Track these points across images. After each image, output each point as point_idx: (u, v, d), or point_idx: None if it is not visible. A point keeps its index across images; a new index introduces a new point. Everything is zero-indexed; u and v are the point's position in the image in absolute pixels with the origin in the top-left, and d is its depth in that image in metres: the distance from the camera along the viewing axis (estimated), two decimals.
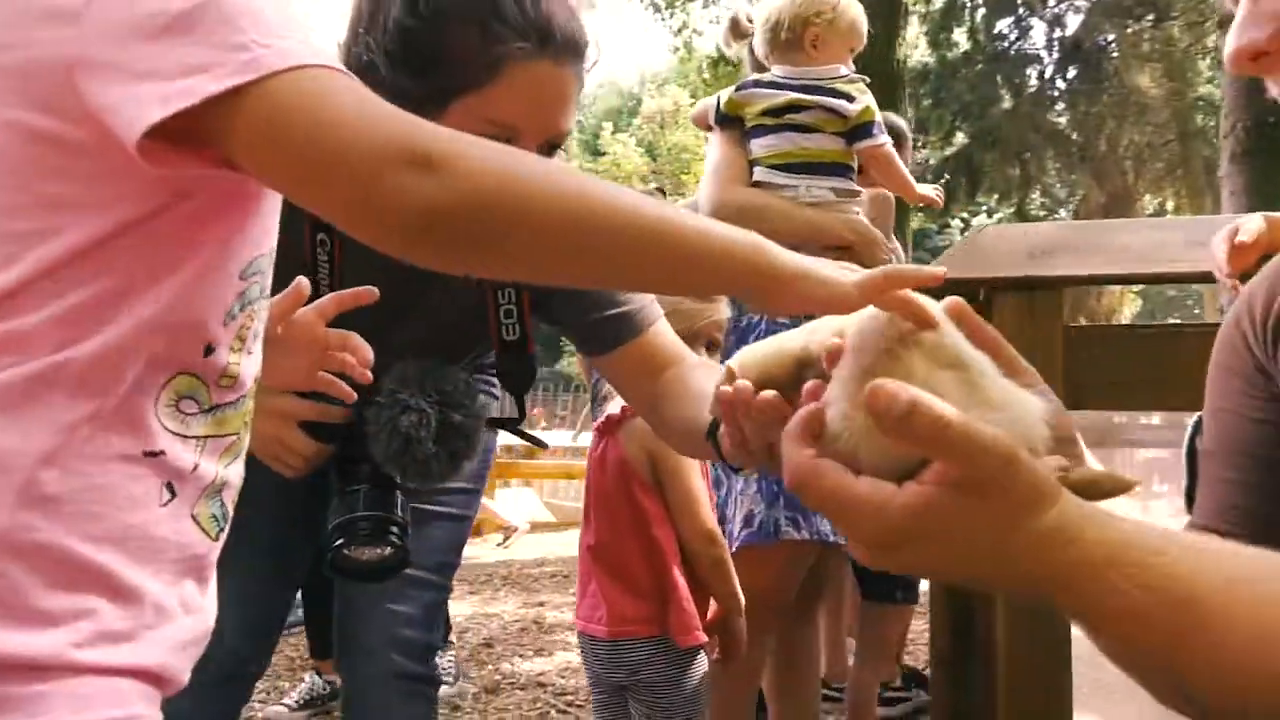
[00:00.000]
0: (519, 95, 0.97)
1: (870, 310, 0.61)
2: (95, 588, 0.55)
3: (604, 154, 20.40)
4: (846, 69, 1.99)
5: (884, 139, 1.98)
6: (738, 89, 2.01)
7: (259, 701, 2.84)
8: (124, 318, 0.57)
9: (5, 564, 0.53)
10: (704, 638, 1.51)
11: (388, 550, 1.15)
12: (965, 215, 21.78)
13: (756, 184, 1.98)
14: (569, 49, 0.98)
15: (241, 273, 0.63)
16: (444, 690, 2.92)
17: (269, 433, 1.17)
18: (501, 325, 1.19)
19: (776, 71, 2.00)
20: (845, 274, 0.62)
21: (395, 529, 1.16)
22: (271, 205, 0.65)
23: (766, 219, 1.92)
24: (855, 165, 2.01)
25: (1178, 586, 0.50)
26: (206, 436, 0.62)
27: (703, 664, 1.57)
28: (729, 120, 2.01)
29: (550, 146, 1.02)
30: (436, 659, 1.45)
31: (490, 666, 3.44)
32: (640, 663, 1.55)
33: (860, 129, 1.96)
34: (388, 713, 1.36)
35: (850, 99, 1.95)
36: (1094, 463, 0.68)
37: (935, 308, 0.63)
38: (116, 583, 0.56)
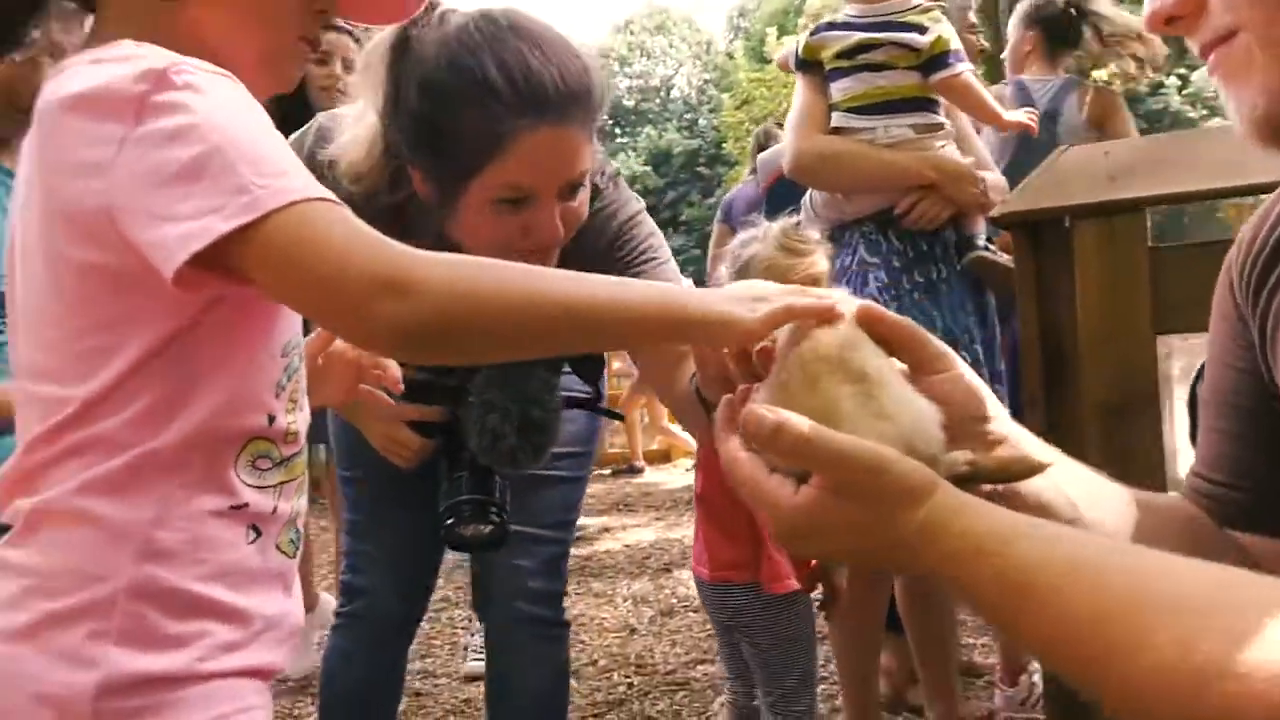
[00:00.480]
0: (527, 163, 1.06)
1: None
2: (209, 614, 0.71)
3: (770, 61, 19.83)
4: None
5: (961, 67, 1.90)
6: (813, 33, 2.00)
7: (462, 628, 3.20)
8: (190, 410, 0.70)
9: (140, 606, 0.68)
10: (795, 585, 1.58)
11: (488, 528, 1.34)
12: (1182, 71, 19.60)
13: (836, 129, 1.97)
14: (567, 107, 1.06)
15: (282, 350, 0.77)
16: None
17: (384, 431, 1.38)
18: None
19: (848, 11, 1.97)
20: (752, 308, 0.69)
21: (494, 509, 1.35)
22: None
23: (844, 165, 1.93)
24: (937, 98, 1.96)
25: (1017, 576, 0.55)
26: (282, 483, 0.77)
27: (802, 610, 1.65)
28: (809, 65, 2.00)
29: (571, 189, 1.12)
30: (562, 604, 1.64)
31: (668, 590, 3.67)
32: (738, 607, 1.66)
33: (934, 60, 1.89)
34: (521, 651, 1.56)
35: (922, 30, 1.88)
36: (1021, 433, 0.73)
37: (848, 312, 0.70)
38: (224, 608, 0.71)
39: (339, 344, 1.05)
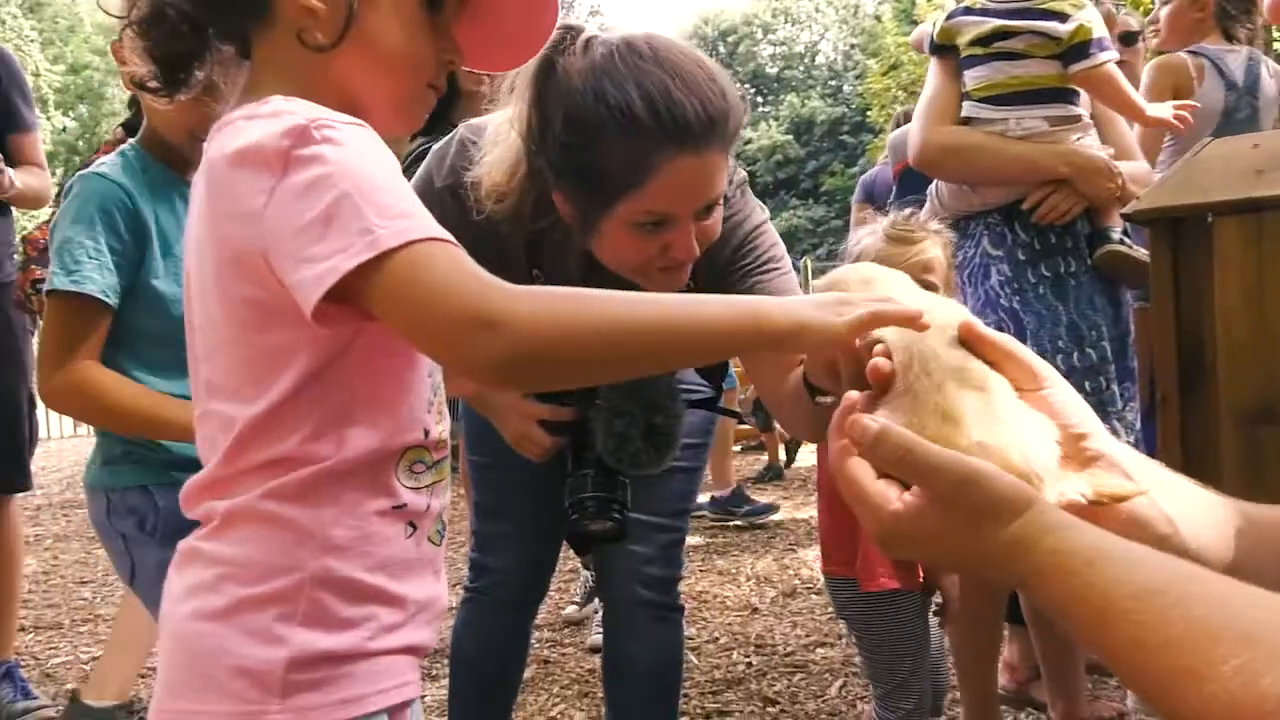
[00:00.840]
0: (668, 189, 1.10)
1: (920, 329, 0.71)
2: (375, 600, 0.79)
3: (918, 23, 19.12)
4: None
5: (1104, 57, 1.80)
6: (949, 16, 1.95)
7: (558, 607, 3.27)
8: (357, 431, 0.78)
9: (320, 593, 0.77)
10: (891, 584, 1.57)
11: (609, 524, 1.43)
12: None
13: (965, 119, 1.92)
14: (706, 134, 1.10)
15: (430, 371, 0.85)
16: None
17: (517, 428, 1.48)
18: None
19: None
20: (839, 313, 0.71)
21: (616, 506, 1.43)
22: None
23: (970, 159, 1.88)
24: (1076, 88, 1.87)
25: (1096, 597, 0.57)
26: (433, 483, 0.85)
27: (905, 609, 1.64)
28: (943, 49, 1.95)
29: (707, 209, 1.16)
30: (678, 589, 1.68)
31: (791, 571, 3.69)
32: (843, 600, 1.68)
33: (1074, 50, 1.80)
34: (636, 632, 1.63)
35: (1064, 17, 1.80)
36: (1118, 449, 0.72)
37: (951, 328, 0.72)
38: (387, 595, 0.80)
39: None
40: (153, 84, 0.83)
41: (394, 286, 0.69)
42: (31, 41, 26.30)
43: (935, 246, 1.65)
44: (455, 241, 0.72)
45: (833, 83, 39.70)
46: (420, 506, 0.83)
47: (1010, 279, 1.85)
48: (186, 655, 0.78)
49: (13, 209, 2.58)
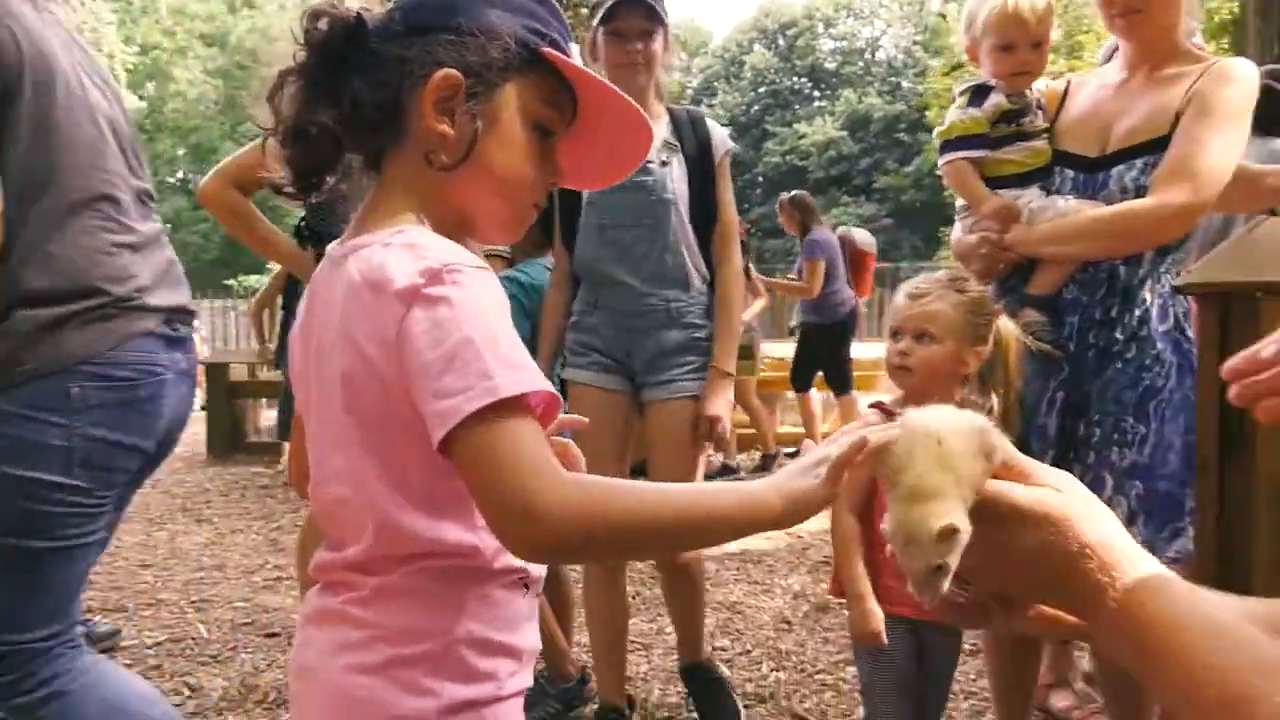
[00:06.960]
0: None
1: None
2: (501, 654, 0.90)
3: None
4: (976, 80, 1.95)
5: (946, 158, 1.98)
6: None
7: None
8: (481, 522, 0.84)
9: (463, 651, 0.87)
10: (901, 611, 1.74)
11: None
12: None
13: None
14: None
15: None
16: None
17: None
18: None
19: None
20: (816, 474, 0.79)
21: None
22: None
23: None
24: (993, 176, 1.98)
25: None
26: None
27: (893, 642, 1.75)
28: None
29: None
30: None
31: (825, 585, 3.54)
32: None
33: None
34: None
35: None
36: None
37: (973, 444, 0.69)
38: (509, 649, 0.91)
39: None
40: (288, 190, 0.92)
41: (476, 456, 0.76)
42: (108, 24, 25.43)
43: (940, 302, 1.70)
44: (554, 392, 0.81)
45: (892, 79, 38.19)
46: (536, 572, 0.95)
47: None
48: (344, 703, 0.87)
49: None
